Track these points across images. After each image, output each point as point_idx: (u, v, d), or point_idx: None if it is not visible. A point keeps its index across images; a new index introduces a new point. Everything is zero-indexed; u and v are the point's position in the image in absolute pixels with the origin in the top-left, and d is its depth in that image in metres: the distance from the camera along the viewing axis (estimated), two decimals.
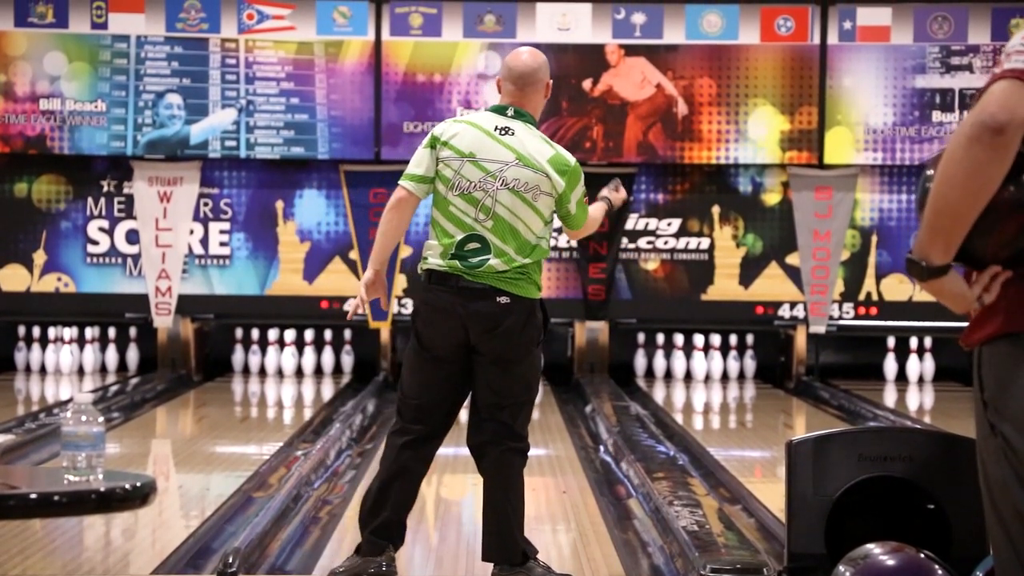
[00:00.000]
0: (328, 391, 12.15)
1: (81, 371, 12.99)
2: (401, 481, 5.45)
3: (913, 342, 12.99)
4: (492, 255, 5.35)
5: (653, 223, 12.94)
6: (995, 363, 3.03)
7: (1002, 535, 3.06)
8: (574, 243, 12.64)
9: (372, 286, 5.47)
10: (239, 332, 13.12)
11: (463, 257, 5.36)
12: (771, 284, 12.91)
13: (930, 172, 3.11)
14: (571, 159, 5.48)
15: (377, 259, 5.47)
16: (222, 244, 12.84)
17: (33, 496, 3.70)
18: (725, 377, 13.08)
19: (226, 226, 12.84)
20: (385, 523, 5.44)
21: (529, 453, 5.53)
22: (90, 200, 12.83)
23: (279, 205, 12.83)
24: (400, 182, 5.45)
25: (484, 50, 12.61)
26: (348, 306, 5.73)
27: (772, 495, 7.01)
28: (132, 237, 12.79)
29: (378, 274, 5.47)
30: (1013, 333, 3.00)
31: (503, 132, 5.43)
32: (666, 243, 12.93)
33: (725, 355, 13.12)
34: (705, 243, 12.92)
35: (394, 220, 5.44)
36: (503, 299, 5.35)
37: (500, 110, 5.48)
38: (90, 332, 13.05)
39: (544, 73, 5.51)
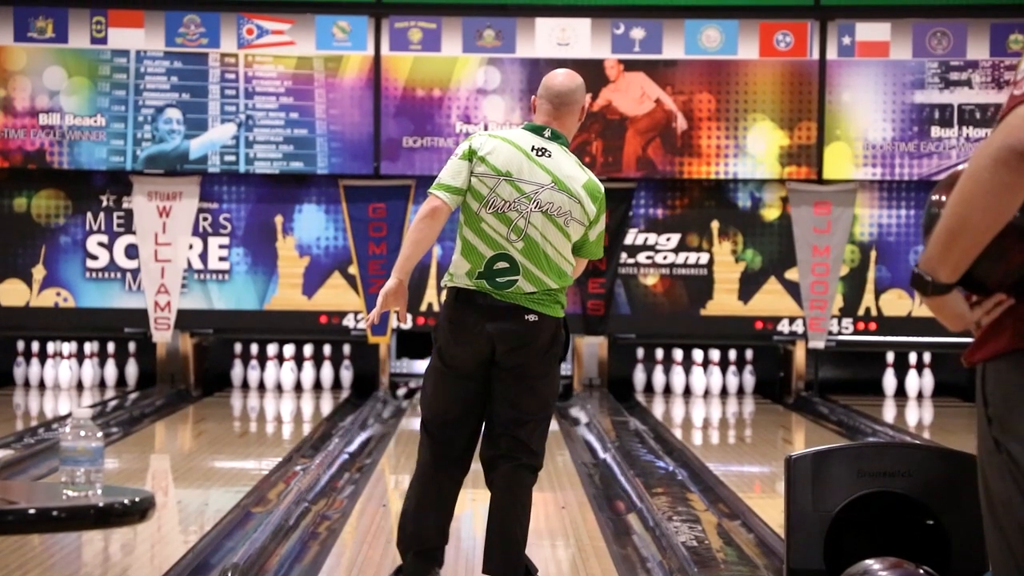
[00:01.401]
0: (327, 406, 12.14)
1: (80, 386, 12.98)
2: (440, 510, 5.39)
3: (912, 357, 12.98)
4: (520, 276, 5.27)
5: (652, 238, 12.94)
6: (1001, 379, 3.02)
7: (1005, 551, 3.05)
8: None
9: (394, 295, 5.31)
10: (238, 347, 13.12)
11: (491, 277, 5.27)
12: (770, 299, 12.91)
13: (936, 198, 3.11)
14: (601, 186, 5.43)
15: (403, 268, 5.30)
16: (221, 259, 12.84)
17: (32, 511, 3.69)
18: (724, 392, 13.07)
19: (225, 241, 12.84)
20: (432, 547, 5.40)
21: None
22: (89, 215, 12.83)
23: (278, 220, 12.84)
24: (434, 191, 5.30)
25: (483, 65, 12.62)
26: (368, 318, 5.65)
27: (771, 510, 7.00)
28: (131, 252, 12.79)
29: (401, 284, 5.30)
30: (1020, 350, 3.00)
31: (540, 153, 5.34)
32: (665, 258, 12.93)
33: (724, 370, 13.11)
34: (704, 258, 12.92)
35: (428, 230, 5.27)
36: (531, 317, 5.28)
37: (537, 130, 5.40)
38: (89, 347, 13.04)
39: (580, 95, 5.45)
